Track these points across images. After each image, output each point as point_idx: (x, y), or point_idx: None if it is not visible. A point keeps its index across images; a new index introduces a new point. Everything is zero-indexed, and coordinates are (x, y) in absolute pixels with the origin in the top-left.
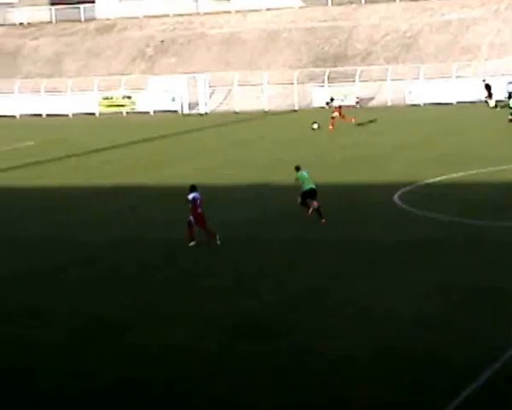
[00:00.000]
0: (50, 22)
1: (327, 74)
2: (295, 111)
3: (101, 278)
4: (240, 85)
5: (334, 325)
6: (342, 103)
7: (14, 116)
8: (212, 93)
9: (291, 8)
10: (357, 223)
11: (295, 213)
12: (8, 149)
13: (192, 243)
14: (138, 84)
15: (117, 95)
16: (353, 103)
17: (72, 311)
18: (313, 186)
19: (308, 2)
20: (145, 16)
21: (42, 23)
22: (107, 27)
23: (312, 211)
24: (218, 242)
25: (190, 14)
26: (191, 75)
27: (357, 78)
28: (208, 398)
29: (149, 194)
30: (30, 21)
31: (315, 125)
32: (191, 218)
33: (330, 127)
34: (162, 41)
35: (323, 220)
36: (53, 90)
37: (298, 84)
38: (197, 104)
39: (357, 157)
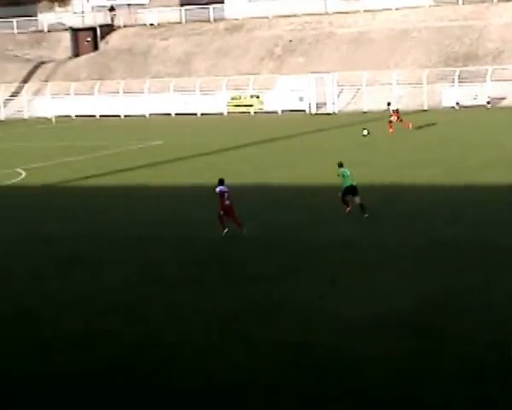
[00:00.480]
0: (180, 22)
1: (457, 74)
2: (425, 111)
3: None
4: (368, 85)
5: None
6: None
7: (143, 115)
8: (340, 93)
9: (421, 7)
10: None
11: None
12: (136, 148)
13: (225, 231)
14: (266, 84)
15: (245, 94)
16: (484, 103)
17: None
18: (353, 183)
19: (438, 1)
20: (274, 16)
21: (171, 23)
22: (236, 27)
23: (350, 209)
24: (245, 232)
25: (319, 14)
26: (319, 75)
27: (488, 77)
28: None
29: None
30: (160, 22)
31: (365, 132)
32: (220, 211)
33: (390, 130)
34: (290, 40)
35: (366, 215)
36: (182, 90)
37: (427, 84)
38: (325, 104)
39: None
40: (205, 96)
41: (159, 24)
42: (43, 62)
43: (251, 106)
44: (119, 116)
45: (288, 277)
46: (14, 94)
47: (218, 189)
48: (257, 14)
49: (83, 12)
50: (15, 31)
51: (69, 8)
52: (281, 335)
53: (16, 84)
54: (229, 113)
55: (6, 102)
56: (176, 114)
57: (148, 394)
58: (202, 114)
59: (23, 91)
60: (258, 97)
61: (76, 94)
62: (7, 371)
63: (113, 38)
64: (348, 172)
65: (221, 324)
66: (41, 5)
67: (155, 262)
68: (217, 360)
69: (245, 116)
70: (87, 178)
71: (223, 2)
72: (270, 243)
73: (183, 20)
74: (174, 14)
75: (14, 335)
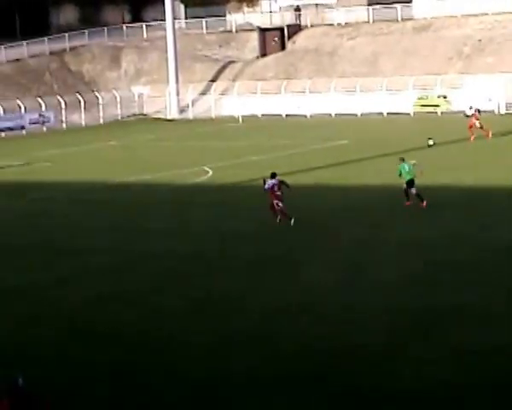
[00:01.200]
0: (367, 22)
1: None
2: None
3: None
4: None
5: None
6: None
7: (329, 115)
8: None
9: None
10: None
11: None
12: (321, 148)
13: (292, 220)
14: (454, 84)
15: (432, 94)
16: None
17: None
18: (411, 177)
19: None
20: (462, 15)
21: (359, 23)
22: (424, 26)
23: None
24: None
25: (509, 13)
26: (509, 75)
27: None
28: None
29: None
30: (347, 21)
31: (430, 142)
32: (274, 201)
33: (472, 137)
34: (479, 40)
35: (424, 203)
36: (368, 90)
37: None
38: None
39: None
40: (391, 96)
41: (346, 23)
42: (230, 62)
43: (438, 106)
44: (305, 116)
45: None
46: (203, 93)
47: (270, 183)
48: (445, 14)
49: (270, 12)
50: (204, 31)
51: (257, 8)
52: None
53: (204, 84)
54: (415, 113)
55: (194, 101)
56: (361, 114)
57: None
58: (388, 114)
59: (211, 91)
60: (445, 97)
61: (263, 93)
62: None
63: (301, 38)
64: (407, 168)
65: None
66: (230, 6)
67: None
68: None
69: (432, 116)
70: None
71: (410, 2)
72: None
73: (371, 20)
74: (361, 13)
75: None
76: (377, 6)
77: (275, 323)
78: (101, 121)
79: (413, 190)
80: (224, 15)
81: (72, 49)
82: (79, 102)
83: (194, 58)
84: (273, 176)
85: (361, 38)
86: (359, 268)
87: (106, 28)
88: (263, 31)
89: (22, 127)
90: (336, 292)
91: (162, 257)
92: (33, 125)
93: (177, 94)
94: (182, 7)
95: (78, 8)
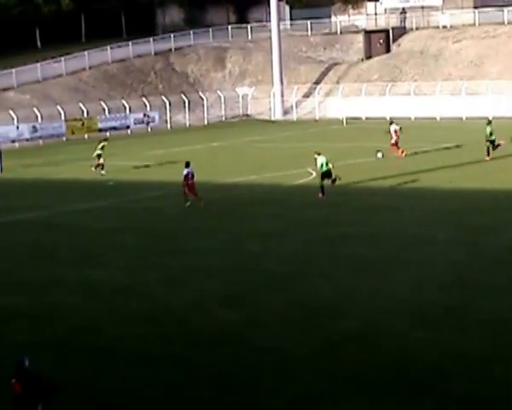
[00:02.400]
0: (473, 25)
1: None
2: None
3: None
4: None
5: None
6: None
7: (434, 118)
8: None
9: None
10: None
11: None
12: (431, 150)
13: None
14: None
15: None
16: None
17: None
18: (327, 169)
19: None
20: None
21: (464, 26)
22: None
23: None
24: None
25: None
26: None
27: None
28: None
29: None
30: (452, 24)
31: (379, 155)
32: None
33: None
34: None
35: (320, 195)
36: (473, 93)
37: None
38: None
39: None
40: (497, 99)
41: (451, 26)
42: (335, 64)
43: None
44: (409, 118)
45: None
46: (307, 95)
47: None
48: None
49: (375, 14)
50: (309, 32)
51: (362, 10)
52: None
53: (308, 86)
54: None
55: (298, 102)
56: (466, 118)
57: None
58: (494, 118)
59: (315, 92)
60: None
61: (367, 95)
62: None
63: (405, 41)
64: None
65: None
66: (334, 7)
67: None
68: None
69: None
70: (375, 179)
71: None
72: None
73: (477, 23)
74: (467, 16)
75: None
76: (484, 9)
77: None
78: (206, 122)
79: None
80: (329, 17)
81: (178, 49)
82: (184, 102)
83: (299, 60)
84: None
85: (466, 41)
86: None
87: (211, 29)
88: (368, 33)
89: (127, 127)
90: None
91: (266, 258)
92: (138, 125)
93: (282, 95)
94: (287, 8)
95: (183, 9)
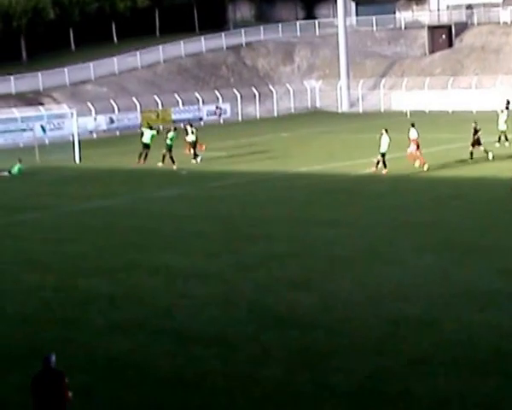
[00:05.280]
0: None
1: None
2: None
3: None
4: None
5: None
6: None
7: (494, 111)
8: None
9: None
10: None
11: None
12: (489, 141)
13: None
14: None
15: None
16: None
17: None
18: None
19: None
20: None
21: None
22: None
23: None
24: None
25: None
26: None
27: None
28: None
29: None
30: None
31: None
32: None
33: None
34: None
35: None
36: None
37: None
38: None
39: None
40: None
41: None
42: (399, 58)
43: None
44: (471, 111)
45: None
46: (372, 88)
47: None
48: None
49: (438, 10)
50: (374, 28)
51: (425, 6)
52: None
53: (374, 79)
54: None
55: (364, 95)
56: None
57: None
58: None
59: (380, 86)
60: None
61: (430, 89)
62: None
63: (467, 36)
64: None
65: None
66: (399, 4)
67: None
68: None
69: None
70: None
71: None
72: None
73: None
74: None
75: None
76: None
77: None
78: (275, 114)
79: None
80: (394, 13)
81: (248, 44)
82: (254, 95)
83: (364, 54)
84: None
85: None
86: None
87: (280, 24)
88: (431, 28)
89: (200, 119)
90: None
91: (333, 244)
92: (211, 117)
93: (348, 88)
94: (353, 5)
95: (253, 4)
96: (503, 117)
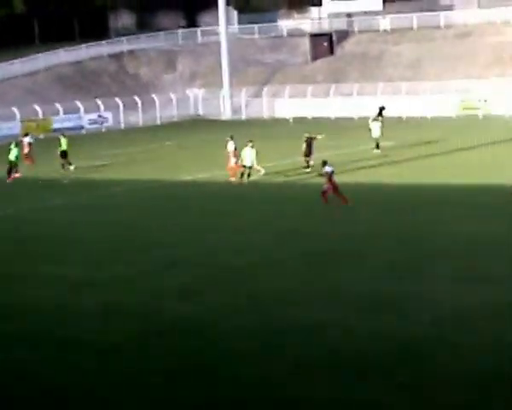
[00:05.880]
0: (411, 29)
1: None
2: None
3: None
4: None
5: None
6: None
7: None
8: None
9: None
10: None
11: None
12: (369, 148)
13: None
14: (494, 89)
15: (473, 98)
16: None
17: None
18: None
19: None
20: (502, 22)
21: (403, 29)
22: (465, 33)
23: None
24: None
25: None
26: None
27: None
28: None
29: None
30: (393, 28)
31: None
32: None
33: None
34: None
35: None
36: (412, 93)
37: None
38: None
39: None
40: (435, 100)
41: (391, 30)
42: (282, 66)
43: (479, 109)
44: (352, 118)
45: None
46: (255, 96)
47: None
48: (486, 20)
49: (320, 18)
50: (257, 36)
51: (307, 14)
52: None
53: (257, 87)
54: (457, 116)
55: (247, 103)
56: (406, 117)
57: None
58: (432, 117)
59: (263, 93)
60: (485, 101)
61: (312, 96)
62: None
63: (348, 44)
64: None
65: None
66: (281, 12)
67: None
68: None
69: (473, 119)
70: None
71: (452, 10)
72: None
73: (415, 27)
74: (406, 20)
75: None
76: (421, 13)
77: None
78: (158, 122)
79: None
80: (276, 21)
81: (130, 52)
82: (137, 103)
83: (247, 62)
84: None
85: (405, 44)
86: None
87: (162, 32)
88: (313, 36)
89: (81, 127)
90: None
91: (223, 250)
92: (92, 126)
93: (231, 96)
94: (235, 13)
95: (134, 13)
96: (375, 125)
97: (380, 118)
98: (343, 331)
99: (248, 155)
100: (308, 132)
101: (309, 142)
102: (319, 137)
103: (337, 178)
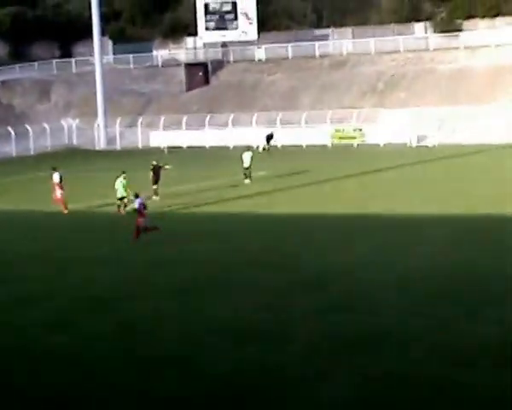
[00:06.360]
0: (287, 58)
1: None
2: None
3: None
4: (466, 120)
5: None
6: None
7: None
8: (440, 126)
9: None
10: None
11: None
12: (242, 178)
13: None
14: (369, 118)
15: (348, 127)
16: None
17: None
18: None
19: None
20: (376, 52)
21: (278, 59)
22: (340, 63)
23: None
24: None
25: (420, 50)
26: (420, 109)
27: None
28: None
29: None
30: (268, 57)
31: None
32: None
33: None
34: (392, 76)
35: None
36: (287, 123)
37: None
38: (425, 137)
39: None
40: (310, 129)
41: (267, 59)
42: (157, 96)
43: (354, 138)
44: (228, 147)
45: None
46: (130, 125)
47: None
48: (360, 51)
49: (195, 48)
50: (132, 66)
51: (182, 44)
52: None
53: (132, 117)
54: (333, 145)
55: (122, 133)
56: (281, 146)
57: None
58: (307, 146)
59: (138, 123)
60: (360, 130)
61: (187, 126)
62: None
63: (224, 73)
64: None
65: None
66: (156, 42)
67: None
68: None
69: (348, 148)
70: (199, 206)
71: (327, 39)
72: None
73: (290, 56)
74: (281, 50)
75: None
76: (296, 43)
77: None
78: (32, 153)
79: None
80: (151, 51)
81: (4, 82)
82: (10, 133)
83: (122, 92)
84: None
85: (280, 74)
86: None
87: (36, 63)
88: (188, 66)
89: None
90: None
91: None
92: None
93: (106, 126)
94: (110, 43)
95: (8, 43)
96: (246, 155)
97: (266, 146)
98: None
99: (119, 187)
100: (156, 160)
101: (156, 170)
102: (167, 166)
103: (208, 208)
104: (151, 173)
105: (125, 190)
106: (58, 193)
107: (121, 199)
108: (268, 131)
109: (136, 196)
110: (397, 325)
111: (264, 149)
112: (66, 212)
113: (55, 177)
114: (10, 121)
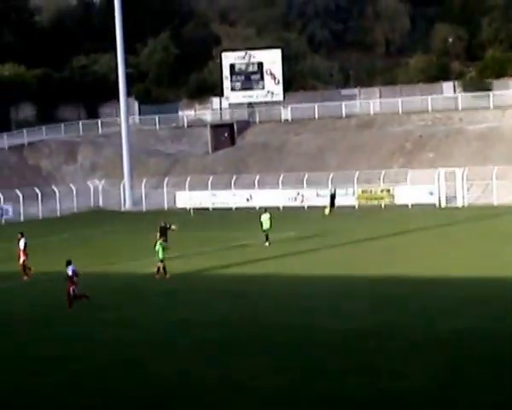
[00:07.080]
0: (313, 119)
1: None
2: None
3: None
4: (498, 179)
5: None
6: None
7: (277, 207)
8: (470, 187)
9: None
10: None
11: None
12: (271, 240)
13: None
14: (397, 178)
15: (376, 188)
16: None
17: None
18: None
19: None
20: (404, 112)
21: (305, 119)
22: (368, 123)
23: None
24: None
25: (449, 110)
26: (449, 169)
27: None
28: None
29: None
30: (294, 118)
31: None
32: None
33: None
34: (420, 136)
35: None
36: (314, 184)
37: None
38: (455, 198)
39: None
40: (337, 190)
41: (293, 120)
42: (183, 156)
43: (382, 199)
44: (254, 208)
45: None
46: (156, 187)
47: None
48: (388, 111)
49: (221, 109)
50: (157, 126)
51: (208, 105)
52: None
53: (157, 177)
54: (360, 206)
55: (148, 194)
56: (307, 207)
57: None
58: (335, 207)
59: (164, 184)
60: (388, 191)
61: (213, 187)
62: None
63: (249, 134)
64: None
65: None
66: (182, 103)
67: None
68: None
69: (376, 209)
70: (224, 267)
71: (354, 99)
72: None
73: (316, 117)
74: (308, 110)
75: None
76: (323, 103)
77: None
78: (58, 214)
79: None
80: (177, 112)
81: (31, 144)
82: (37, 195)
83: (148, 152)
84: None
85: (307, 134)
86: None
87: (63, 124)
88: (214, 127)
89: None
90: None
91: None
92: None
93: (131, 187)
94: (136, 104)
95: (35, 105)
96: (265, 217)
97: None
98: None
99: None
100: (164, 222)
101: (163, 230)
102: (173, 227)
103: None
104: (158, 234)
105: (164, 253)
106: (21, 260)
107: (162, 261)
108: (330, 190)
109: (69, 263)
110: None
111: (330, 211)
112: (25, 278)
113: (21, 243)
114: (37, 182)
